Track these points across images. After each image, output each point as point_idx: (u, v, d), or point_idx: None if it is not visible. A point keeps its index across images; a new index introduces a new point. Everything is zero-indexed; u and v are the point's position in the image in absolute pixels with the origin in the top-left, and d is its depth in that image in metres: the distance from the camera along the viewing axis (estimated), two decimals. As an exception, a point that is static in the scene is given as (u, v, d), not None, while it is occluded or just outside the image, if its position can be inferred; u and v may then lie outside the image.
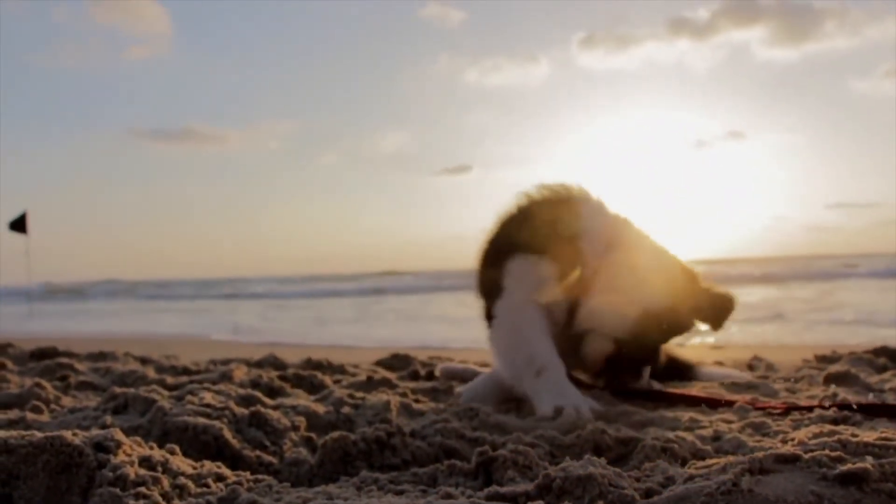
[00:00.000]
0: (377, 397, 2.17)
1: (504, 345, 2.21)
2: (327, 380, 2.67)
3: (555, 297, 2.18)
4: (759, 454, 1.22)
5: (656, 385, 2.42)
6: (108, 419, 1.81)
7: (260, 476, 1.44)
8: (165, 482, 1.29)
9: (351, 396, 2.22)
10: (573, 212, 2.23)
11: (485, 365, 2.89)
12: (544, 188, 2.34)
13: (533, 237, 2.21)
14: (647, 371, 2.33)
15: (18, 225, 12.03)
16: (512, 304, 2.19)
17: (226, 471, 1.43)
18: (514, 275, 2.20)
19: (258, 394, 2.12)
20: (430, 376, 2.88)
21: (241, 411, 1.80)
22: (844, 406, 1.85)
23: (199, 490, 1.31)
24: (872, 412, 1.79)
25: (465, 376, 2.74)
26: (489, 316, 2.30)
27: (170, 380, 2.69)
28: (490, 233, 2.37)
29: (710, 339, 5.85)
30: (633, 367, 2.28)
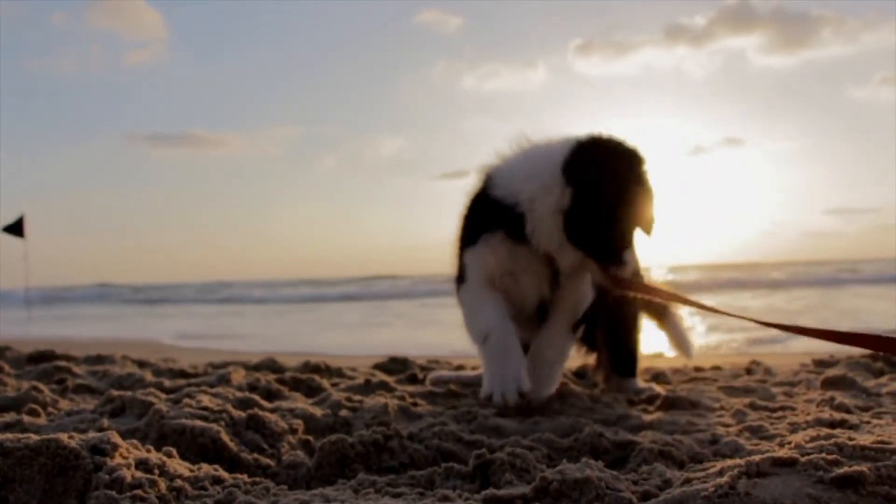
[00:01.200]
0: (375, 400, 2.17)
1: (466, 324, 2.30)
2: (325, 383, 2.66)
3: (520, 266, 2.18)
4: (757, 457, 1.22)
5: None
6: (105, 422, 1.81)
7: (257, 479, 1.44)
8: (162, 485, 1.29)
9: (349, 400, 2.22)
10: (489, 175, 2.24)
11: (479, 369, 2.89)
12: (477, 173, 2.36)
13: (469, 227, 2.28)
14: (629, 255, 2.16)
15: (15, 228, 12.01)
16: (468, 288, 2.27)
17: (223, 473, 1.42)
18: (470, 267, 2.27)
19: (256, 397, 2.12)
20: (427, 380, 2.88)
21: (239, 414, 1.80)
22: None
23: (196, 493, 1.31)
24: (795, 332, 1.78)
25: (457, 383, 2.73)
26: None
27: (167, 383, 2.68)
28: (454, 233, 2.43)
29: (707, 344, 5.86)
30: (610, 254, 2.13)
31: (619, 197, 2.05)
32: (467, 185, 2.35)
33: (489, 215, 2.19)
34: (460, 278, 2.31)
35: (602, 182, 2.04)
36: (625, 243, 2.13)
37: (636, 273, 2.25)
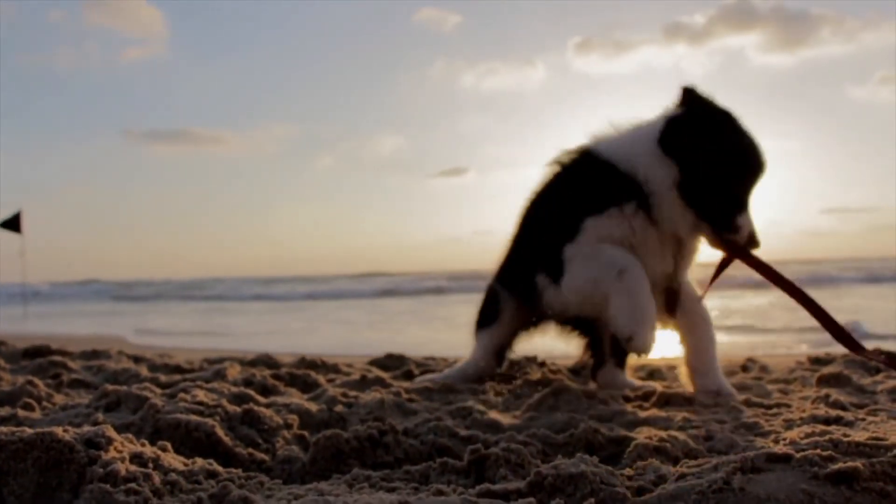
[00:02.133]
0: (370, 396, 2.17)
1: (580, 263, 2.19)
2: (321, 379, 2.66)
3: (646, 246, 2.16)
4: (751, 453, 1.23)
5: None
6: (100, 416, 1.80)
7: (252, 473, 1.44)
8: (156, 478, 1.28)
9: (344, 395, 2.22)
10: (595, 147, 2.31)
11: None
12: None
13: (586, 195, 2.22)
14: (743, 220, 2.13)
15: (12, 224, 11.98)
16: (583, 241, 2.18)
17: (218, 468, 1.42)
18: (589, 231, 2.18)
19: (251, 392, 2.12)
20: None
21: (234, 409, 1.80)
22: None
23: (190, 486, 1.31)
24: None
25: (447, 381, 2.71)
26: (549, 266, 2.27)
27: (163, 378, 2.68)
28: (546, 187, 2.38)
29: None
30: (722, 218, 2.12)
31: (717, 157, 2.08)
32: (550, 164, 2.35)
33: (612, 186, 2.16)
34: (566, 237, 2.20)
35: (700, 144, 2.09)
36: (735, 207, 2.10)
37: (753, 239, 2.16)
